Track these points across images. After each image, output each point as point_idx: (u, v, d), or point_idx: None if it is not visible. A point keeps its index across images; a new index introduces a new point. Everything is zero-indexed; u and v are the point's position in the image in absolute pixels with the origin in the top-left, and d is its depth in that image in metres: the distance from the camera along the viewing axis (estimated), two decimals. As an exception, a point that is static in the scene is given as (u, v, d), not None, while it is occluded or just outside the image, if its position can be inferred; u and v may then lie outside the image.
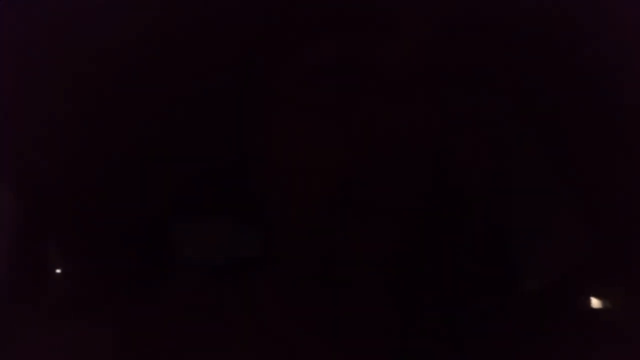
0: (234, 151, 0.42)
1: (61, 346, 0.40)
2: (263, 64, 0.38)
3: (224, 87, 0.41)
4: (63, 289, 0.45)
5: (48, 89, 0.38)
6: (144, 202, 0.45)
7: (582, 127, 0.41)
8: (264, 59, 0.38)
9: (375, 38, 0.36)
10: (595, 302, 0.41)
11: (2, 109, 0.37)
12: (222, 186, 0.45)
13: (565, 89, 0.40)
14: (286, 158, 0.37)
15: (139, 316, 0.41)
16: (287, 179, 0.37)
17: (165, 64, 0.39)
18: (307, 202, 0.36)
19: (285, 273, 0.41)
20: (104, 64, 0.37)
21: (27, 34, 0.33)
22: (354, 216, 0.35)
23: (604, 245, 0.43)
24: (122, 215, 0.45)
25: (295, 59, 0.37)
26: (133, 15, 0.34)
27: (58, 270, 0.45)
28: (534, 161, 0.41)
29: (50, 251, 0.45)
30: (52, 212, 0.44)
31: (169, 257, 0.47)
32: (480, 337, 0.39)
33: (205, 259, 0.48)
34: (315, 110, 0.36)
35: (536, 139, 0.41)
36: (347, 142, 0.35)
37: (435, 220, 0.35)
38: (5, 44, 0.33)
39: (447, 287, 0.37)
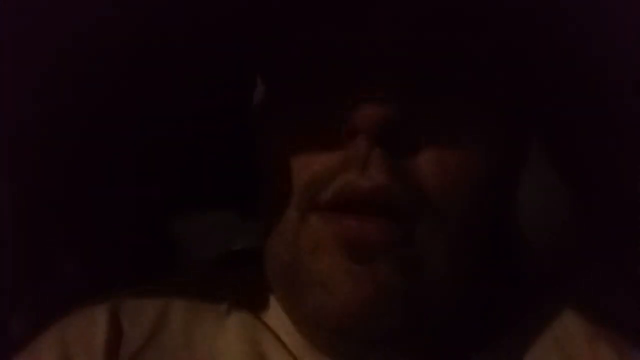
0: (232, 144, 0.42)
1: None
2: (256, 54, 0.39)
3: (220, 80, 0.41)
4: (63, 282, 0.45)
5: (43, 81, 0.38)
6: (144, 196, 0.45)
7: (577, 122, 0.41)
8: (258, 49, 0.38)
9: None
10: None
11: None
12: (221, 179, 0.45)
13: (564, 86, 0.40)
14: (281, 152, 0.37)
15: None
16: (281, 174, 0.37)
17: (164, 59, 0.39)
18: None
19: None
20: (103, 57, 0.37)
21: (24, 30, 0.33)
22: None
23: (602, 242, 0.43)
24: (121, 209, 0.45)
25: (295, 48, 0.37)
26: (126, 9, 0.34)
27: (58, 264, 0.45)
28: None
29: (49, 245, 0.45)
30: (52, 206, 0.44)
31: (169, 250, 0.47)
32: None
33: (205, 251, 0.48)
34: (310, 100, 0.36)
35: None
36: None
37: None
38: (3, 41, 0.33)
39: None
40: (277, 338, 0.39)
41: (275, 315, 0.40)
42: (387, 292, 0.33)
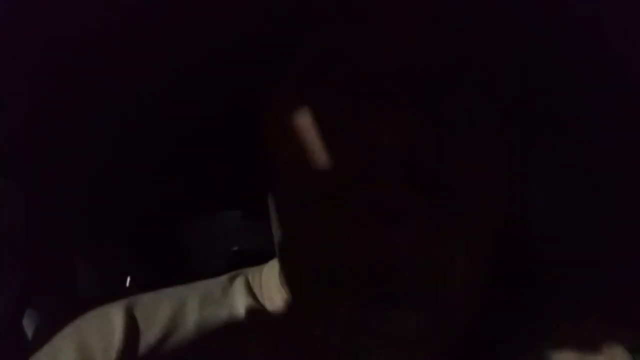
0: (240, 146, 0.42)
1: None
2: (268, 62, 0.39)
3: (229, 84, 0.41)
4: (77, 284, 0.45)
5: (50, 84, 0.38)
6: (152, 199, 0.45)
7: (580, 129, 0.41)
8: (269, 57, 0.39)
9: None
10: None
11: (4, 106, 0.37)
12: (228, 182, 0.45)
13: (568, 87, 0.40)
14: (288, 154, 0.37)
15: None
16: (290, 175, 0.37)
17: (170, 63, 0.39)
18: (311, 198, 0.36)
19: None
20: (107, 56, 0.37)
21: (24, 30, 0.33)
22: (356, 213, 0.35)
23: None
24: (132, 212, 0.45)
25: (300, 55, 0.37)
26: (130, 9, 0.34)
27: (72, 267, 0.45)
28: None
29: (63, 250, 0.45)
30: (64, 211, 0.44)
31: (179, 251, 0.47)
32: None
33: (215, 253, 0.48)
34: (317, 106, 0.36)
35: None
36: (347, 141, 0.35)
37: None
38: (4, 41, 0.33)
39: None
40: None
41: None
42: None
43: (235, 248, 0.49)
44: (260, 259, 0.46)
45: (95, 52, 0.36)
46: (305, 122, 0.36)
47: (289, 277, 0.39)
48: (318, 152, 0.35)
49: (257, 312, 0.41)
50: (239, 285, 0.43)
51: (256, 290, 0.43)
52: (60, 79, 0.37)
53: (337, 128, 0.35)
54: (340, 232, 0.34)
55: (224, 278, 0.44)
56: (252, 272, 0.45)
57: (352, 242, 0.34)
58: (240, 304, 0.41)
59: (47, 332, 0.41)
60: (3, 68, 0.35)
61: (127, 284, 0.50)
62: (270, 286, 0.43)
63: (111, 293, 0.43)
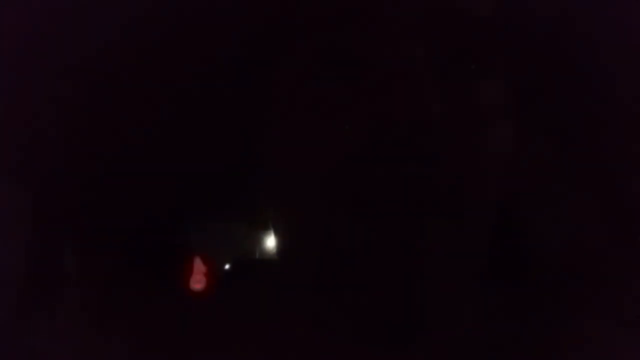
0: (237, 149, 0.43)
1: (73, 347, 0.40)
2: (262, 61, 0.39)
3: (225, 85, 0.41)
4: (75, 289, 0.45)
5: (53, 84, 0.39)
6: (151, 202, 0.45)
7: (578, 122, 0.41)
8: (263, 56, 0.39)
9: (371, 30, 0.36)
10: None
11: (7, 105, 0.38)
12: (225, 186, 0.45)
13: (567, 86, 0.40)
14: (286, 156, 0.37)
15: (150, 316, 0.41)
16: (287, 177, 0.37)
17: (166, 62, 0.39)
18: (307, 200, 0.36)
19: (288, 273, 0.41)
20: (107, 60, 0.38)
21: (28, 30, 0.34)
22: (356, 214, 0.35)
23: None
24: (131, 215, 0.45)
25: (293, 54, 0.38)
26: (131, 11, 0.35)
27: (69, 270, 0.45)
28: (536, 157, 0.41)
29: (61, 251, 0.45)
30: (63, 212, 0.45)
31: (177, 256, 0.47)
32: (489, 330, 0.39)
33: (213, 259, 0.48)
34: (314, 106, 0.37)
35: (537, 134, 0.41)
36: (346, 138, 0.35)
37: (438, 216, 0.35)
38: (6, 40, 0.34)
39: (453, 281, 0.37)
40: None
41: None
42: None
43: (239, 257, 0.49)
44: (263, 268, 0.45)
45: (100, 56, 0.37)
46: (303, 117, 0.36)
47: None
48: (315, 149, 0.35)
49: None
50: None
51: None
52: (63, 80, 0.38)
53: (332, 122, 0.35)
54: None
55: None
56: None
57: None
58: None
59: (54, 338, 0.42)
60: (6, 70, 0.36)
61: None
62: None
63: (112, 299, 0.42)
